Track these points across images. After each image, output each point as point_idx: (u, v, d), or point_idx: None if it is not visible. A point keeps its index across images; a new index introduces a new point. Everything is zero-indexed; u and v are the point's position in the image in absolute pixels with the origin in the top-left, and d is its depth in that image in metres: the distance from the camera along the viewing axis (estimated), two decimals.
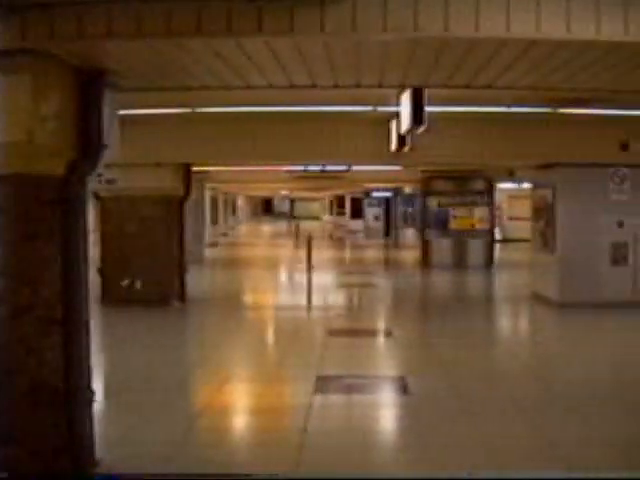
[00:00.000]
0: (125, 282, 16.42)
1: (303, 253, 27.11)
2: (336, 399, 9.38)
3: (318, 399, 9.12)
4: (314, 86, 7.10)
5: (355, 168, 24.73)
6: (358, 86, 7.19)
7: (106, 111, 6.31)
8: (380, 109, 12.37)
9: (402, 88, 8.61)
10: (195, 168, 18.50)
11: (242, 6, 5.09)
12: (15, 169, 5.77)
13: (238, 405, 9.46)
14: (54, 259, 6.06)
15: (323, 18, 5.11)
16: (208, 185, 31.61)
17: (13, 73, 5.61)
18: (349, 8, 5.11)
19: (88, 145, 6.16)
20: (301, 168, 24.54)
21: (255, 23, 5.13)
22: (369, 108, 12.48)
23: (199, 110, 12.62)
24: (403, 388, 9.67)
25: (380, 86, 7.24)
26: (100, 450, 6.64)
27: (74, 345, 6.17)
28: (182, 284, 17.20)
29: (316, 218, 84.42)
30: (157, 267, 16.51)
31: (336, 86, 7.14)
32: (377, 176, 28.28)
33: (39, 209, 5.94)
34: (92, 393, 6.53)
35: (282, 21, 5.13)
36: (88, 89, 6.15)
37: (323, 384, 9.75)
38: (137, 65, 6.21)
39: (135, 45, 5.58)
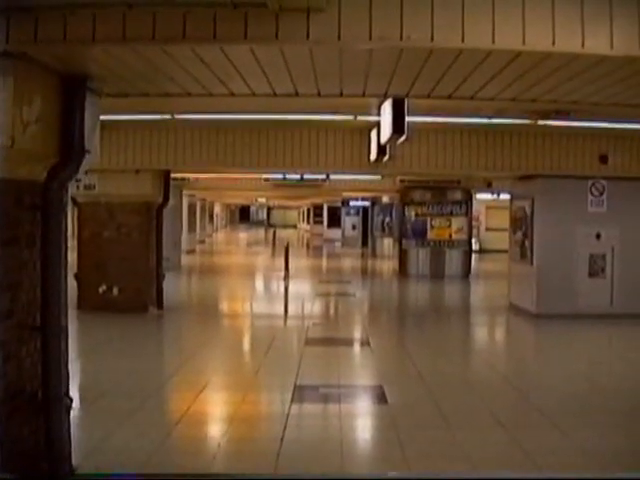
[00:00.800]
0: (102, 288, 16.33)
1: (280, 261, 27.14)
2: (314, 408, 9.35)
3: (296, 408, 9.10)
4: (297, 94, 7.08)
5: (333, 177, 24.77)
6: (341, 95, 7.17)
7: (88, 116, 6.28)
8: (361, 118, 12.38)
9: (384, 97, 8.61)
10: (174, 175, 18.46)
11: (228, 12, 5.06)
12: None
13: (216, 413, 9.41)
14: (33, 264, 6.01)
15: (309, 26, 5.10)
16: (185, 192, 31.55)
17: None
18: (334, 16, 5.10)
19: (70, 150, 6.13)
20: (280, 176, 24.56)
21: (241, 30, 5.11)
22: (350, 117, 12.48)
23: (179, 117, 12.57)
24: (381, 397, 9.67)
25: (363, 95, 7.22)
26: (77, 457, 6.59)
27: (52, 351, 6.12)
28: (159, 291, 17.12)
29: (293, 226, 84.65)
30: (134, 273, 16.43)
31: (319, 95, 7.12)
32: (355, 185, 28.33)
33: (20, 214, 5.88)
34: (70, 400, 6.47)
35: (267, 28, 5.10)
36: (71, 94, 6.12)
37: (301, 393, 9.73)
38: (120, 70, 6.16)
39: (119, 50, 5.53)
